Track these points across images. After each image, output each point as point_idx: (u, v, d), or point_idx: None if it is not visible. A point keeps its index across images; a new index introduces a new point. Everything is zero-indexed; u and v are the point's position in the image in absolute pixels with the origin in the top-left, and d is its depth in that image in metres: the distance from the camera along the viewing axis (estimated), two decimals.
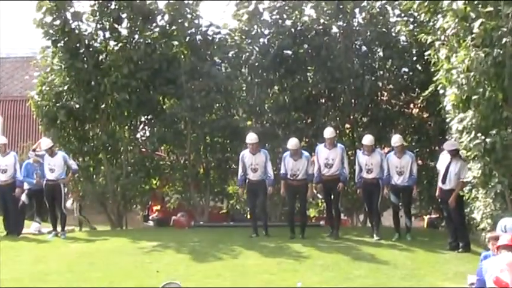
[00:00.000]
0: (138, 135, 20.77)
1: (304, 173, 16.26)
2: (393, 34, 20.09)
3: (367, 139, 16.41)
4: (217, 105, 20.11)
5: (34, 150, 18.62)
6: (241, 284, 12.33)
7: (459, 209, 14.62)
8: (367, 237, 16.15)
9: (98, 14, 19.44)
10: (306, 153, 16.56)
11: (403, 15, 19.51)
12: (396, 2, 19.58)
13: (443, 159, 15.05)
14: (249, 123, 20.40)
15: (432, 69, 14.48)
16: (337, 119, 20.67)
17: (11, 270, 13.59)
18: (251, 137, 16.45)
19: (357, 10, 20.16)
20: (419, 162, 20.49)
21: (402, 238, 16.18)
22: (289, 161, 16.34)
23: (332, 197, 16.60)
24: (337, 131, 20.62)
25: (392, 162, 16.07)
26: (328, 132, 16.40)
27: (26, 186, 18.70)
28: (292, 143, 16.36)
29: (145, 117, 20.58)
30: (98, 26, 19.62)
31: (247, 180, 16.64)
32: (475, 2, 12.69)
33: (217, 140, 20.36)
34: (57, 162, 17.00)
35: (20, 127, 28.84)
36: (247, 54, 20.28)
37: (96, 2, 19.35)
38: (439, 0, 14.01)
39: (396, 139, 16.30)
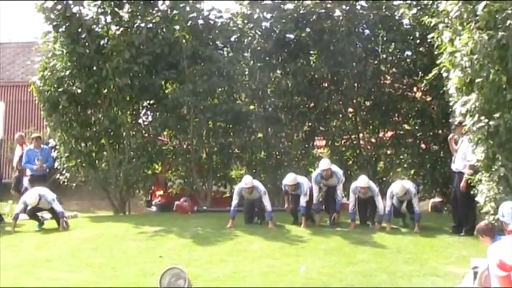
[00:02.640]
0: (141, 121, 20.74)
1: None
2: (396, 17, 20.06)
3: (325, 163, 16.32)
4: (220, 89, 20.07)
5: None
6: (245, 268, 12.38)
7: (467, 192, 14.59)
8: (369, 222, 16.17)
9: None
10: (338, 173, 16.45)
11: None
12: None
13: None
14: (251, 107, 20.40)
15: (435, 52, 14.40)
16: (340, 103, 20.72)
17: (14, 256, 13.67)
18: (324, 163, 16.31)
19: None
20: (423, 145, 20.54)
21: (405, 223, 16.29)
22: (320, 182, 16.38)
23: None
24: (340, 115, 20.71)
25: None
26: (324, 163, 16.26)
27: (28, 172, 18.83)
28: (324, 163, 16.32)
29: (148, 102, 20.54)
30: (99, 10, 19.51)
31: None
32: None
33: (220, 125, 20.35)
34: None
35: (22, 113, 28.76)
36: (250, 38, 20.25)
37: None
38: None
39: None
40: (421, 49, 19.36)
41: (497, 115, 12.59)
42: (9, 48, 31.06)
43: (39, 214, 16.71)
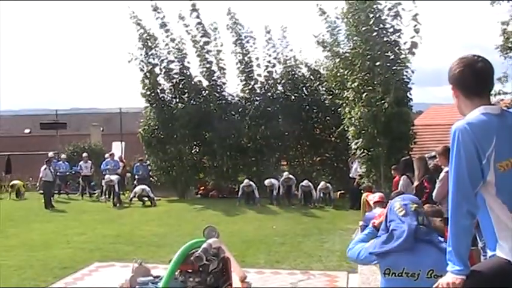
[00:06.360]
0: (193, 151, 20.67)
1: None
2: (321, 101, 19.93)
3: (286, 174, 16.72)
4: (233, 136, 20.01)
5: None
6: (246, 226, 12.44)
7: (357, 187, 14.63)
8: (308, 203, 16.16)
9: (172, 89, 19.56)
10: (293, 179, 16.68)
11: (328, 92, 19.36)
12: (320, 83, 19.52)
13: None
14: (249, 145, 20.29)
15: (342, 118, 14.63)
16: (294, 143, 20.16)
17: (130, 218, 13.69)
18: (286, 174, 16.90)
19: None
20: (335, 165, 20.32)
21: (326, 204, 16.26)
22: (283, 184, 16.58)
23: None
24: (294, 149, 20.40)
25: None
26: (286, 174, 16.80)
27: (136, 177, 18.79)
28: (286, 174, 16.70)
29: (196, 142, 20.44)
30: (172, 95, 19.69)
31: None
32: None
33: (233, 154, 20.26)
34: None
35: (136, 149, 28.11)
36: (248, 109, 20.09)
37: (172, 84, 19.50)
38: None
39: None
40: (334, 115, 19.32)
41: (372, 149, 12.82)
42: (130, 114, 30.71)
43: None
